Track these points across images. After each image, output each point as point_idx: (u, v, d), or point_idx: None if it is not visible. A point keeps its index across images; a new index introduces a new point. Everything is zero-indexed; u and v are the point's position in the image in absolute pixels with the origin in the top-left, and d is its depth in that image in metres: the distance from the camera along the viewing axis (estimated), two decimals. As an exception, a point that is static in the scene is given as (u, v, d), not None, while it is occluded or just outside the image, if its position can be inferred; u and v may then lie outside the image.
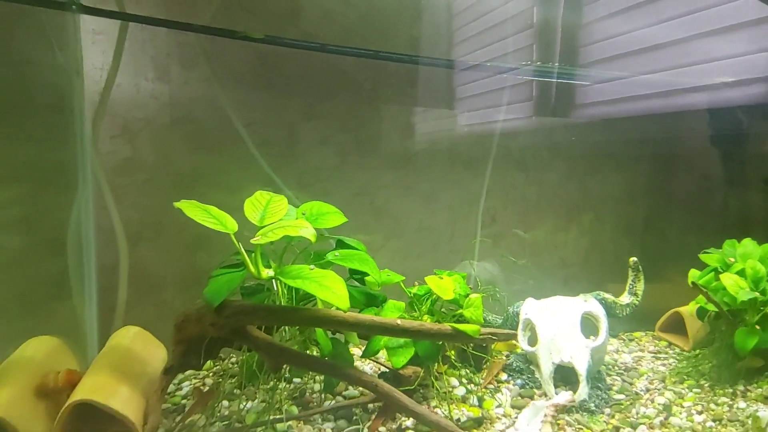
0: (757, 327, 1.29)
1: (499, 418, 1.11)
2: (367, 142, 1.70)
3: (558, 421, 1.09)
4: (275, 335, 1.10)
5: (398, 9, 1.69)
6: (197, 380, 1.24)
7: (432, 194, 1.80)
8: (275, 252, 1.05)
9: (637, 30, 1.85)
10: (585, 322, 1.26)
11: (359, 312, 1.11)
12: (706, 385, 1.31)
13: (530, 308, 1.32)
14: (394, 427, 1.06)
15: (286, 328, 1.11)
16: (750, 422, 1.16)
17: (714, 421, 1.16)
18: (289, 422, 1.05)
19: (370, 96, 1.69)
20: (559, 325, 1.23)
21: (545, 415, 0.94)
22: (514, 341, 1.34)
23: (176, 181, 1.46)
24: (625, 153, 2.07)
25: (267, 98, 1.56)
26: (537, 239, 2.03)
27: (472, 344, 1.25)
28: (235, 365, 1.27)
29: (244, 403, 1.10)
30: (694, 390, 1.29)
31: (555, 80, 1.94)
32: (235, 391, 1.15)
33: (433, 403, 1.15)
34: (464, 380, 1.25)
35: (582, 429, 1.08)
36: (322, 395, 1.17)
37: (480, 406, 1.16)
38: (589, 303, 1.29)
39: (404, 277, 1.20)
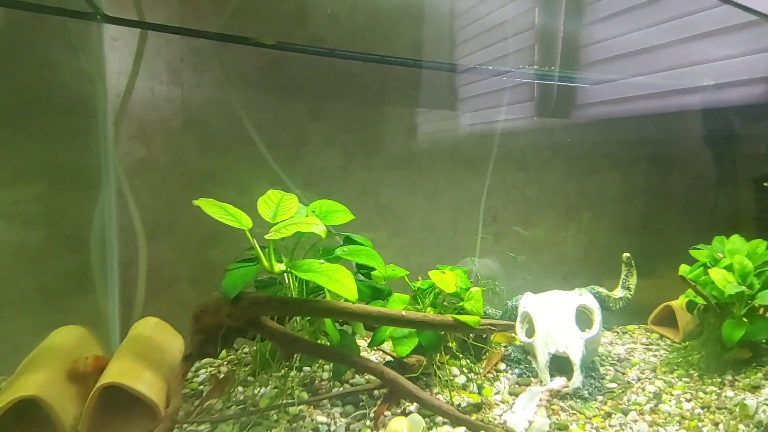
0: (745, 319, 1.35)
1: (497, 404, 1.17)
2: (372, 143, 1.75)
3: (552, 406, 1.15)
4: (287, 326, 1.17)
5: (402, 13, 1.75)
6: (213, 368, 1.31)
7: (435, 193, 1.86)
8: (286, 248, 1.11)
9: (634, 32, 1.90)
10: (580, 315, 1.32)
11: (366, 304, 1.18)
12: (695, 374, 1.37)
13: (528, 302, 1.38)
14: (398, 411, 1.12)
15: (297, 319, 1.18)
16: (738, 410, 1.21)
17: (702, 408, 1.22)
18: (300, 406, 1.11)
19: (375, 98, 1.75)
20: (556, 317, 1.30)
21: (540, 399, 1.01)
22: (512, 334, 1.41)
23: (188, 180, 1.52)
24: (622, 153, 2.13)
25: (275, 100, 1.61)
26: (537, 237, 2.08)
27: (472, 335, 1.32)
28: (248, 355, 1.35)
29: (258, 389, 1.17)
30: (684, 379, 1.35)
31: (556, 83, 1.99)
32: (248, 378, 1.22)
33: (435, 390, 1.21)
34: (465, 369, 1.32)
35: (575, 414, 1.15)
36: (331, 383, 1.24)
37: (479, 393, 1.23)
38: (583, 296, 1.35)
39: (408, 272, 1.26)
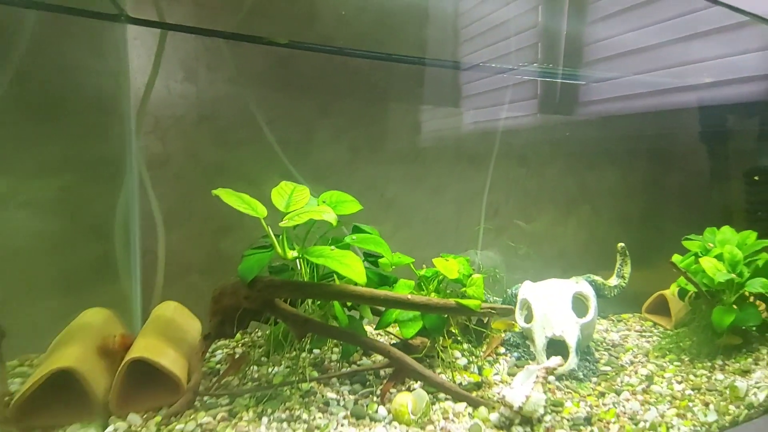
0: (735, 306, 1.42)
1: (496, 384, 1.24)
2: (378, 139, 1.80)
3: (549, 386, 1.22)
4: (298, 310, 1.24)
5: (408, 12, 1.80)
6: (228, 349, 1.38)
7: (439, 188, 1.91)
8: (297, 237, 1.18)
9: (633, 31, 1.95)
10: (576, 302, 1.39)
11: (373, 290, 1.25)
12: (687, 359, 1.44)
13: (527, 289, 1.45)
14: (403, 389, 1.19)
15: (309, 303, 1.25)
16: (728, 392, 1.28)
17: (693, 389, 1.28)
18: (312, 383, 1.19)
19: (381, 95, 1.79)
20: (553, 303, 1.36)
21: (537, 377, 1.08)
22: (512, 321, 1.48)
23: (202, 174, 1.58)
24: (621, 149, 2.18)
25: (285, 97, 1.66)
26: (537, 230, 2.14)
27: (474, 319, 1.39)
28: (261, 338, 1.42)
29: (272, 368, 1.24)
30: (675, 363, 1.42)
31: (558, 80, 2.05)
32: (262, 359, 1.29)
33: (438, 371, 1.28)
34: (466, 353, 1.39)
35: (570, 393, 1.22)
36: (340, 363, 1.31)
37: (480, 374, 1.30)
38: (580, 284, 1.42)
39: (414, 259, 1.33)
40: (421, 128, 1.88)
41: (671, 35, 1.87)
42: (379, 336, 1.49)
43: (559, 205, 2.16)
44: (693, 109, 2.03)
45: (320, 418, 1.05)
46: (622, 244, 1.52)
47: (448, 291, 1.36)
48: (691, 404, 1.21)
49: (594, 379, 1.30)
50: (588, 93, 2.12)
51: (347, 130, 1.75)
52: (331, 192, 1.22)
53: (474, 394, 1.16)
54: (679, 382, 1.32)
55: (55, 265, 1.35)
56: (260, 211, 1.09)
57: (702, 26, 1.81)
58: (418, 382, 1.20)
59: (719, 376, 1.36)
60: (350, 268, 1.05)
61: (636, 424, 1.10)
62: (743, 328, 1.48)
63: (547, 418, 1.09)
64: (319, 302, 1.23)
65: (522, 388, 1.06)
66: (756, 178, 1.88)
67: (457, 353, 1.38)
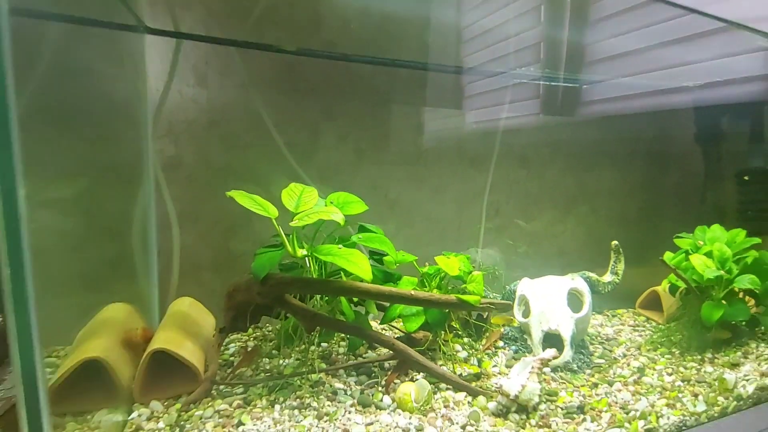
0: (724, 302, 1.48)
1: (495, 375, 1.31)
2: (381, 140, 1.85)
3: (544, 377, 1.29)
4: (307, 305, 1.31)
5: (410, 17, 1.85)
6: (241, 342, 1.46)
7: (441, 188, 1.96)
8: (306, 236, 1.25)
9: (631, 31, 2.00)
10: (572, 298, 1.46)
11: (379, 285, 1.31)
12: (677, 352, 1.50)
13: (525, 286, 1.52)
14: (407, 380, 1.26)
15: (317, 299, 1.32)
16: (717, 384, 1.34)
17: (682, 381, 1.35)
18: (320, 374, 1.26)
19: (384, 98, 1.84)
20: (549, 299, 1.43)
21: (532, 368, 1.15)
22: (510, 316, 1.54)
23: (212, 175, 1.64)
24: (618, 150, 2.24)
25: (292, 101, 1.72)
26: (537, 229, 2.19)
27: (474, 314, 1.45)
28: (271, 332, 1.49)
29: (282, 360, 1.31)
30: (666, 356, 1.48)
31: (561, 84, 2.10)
32: (273, 351, 1.36)
33: (440, 363, 1.35)
34: (466, 346, 1.46)
35: (565, 383, 1.29)
36: (346, 356, 1.38)
37: (479, 365, 1.37)
38: (575, 281, 1.48)
39: (417, 257, 1.40)
40: (423, 130, 1.93)
41: (665, 38, 1.92)
42: (384, 330, 1.56)
43: (559, 204, 2.21)
44: (688, 111, 2.08)
45: (329, 406, 1.12)
46: (616, 243, 1.58)
47: (449, 287, 1.43)
48: (680, 395, 1.27)
49: (588, 371, 1.37)
50: (588, 94, 2.16)
51: (352, 133, 1.80)
52: (338, 193, 1.29)
53: (473, 384, 1.23)
54: (670, 374, 1.38)
55: (78, 264, 1.42)
56: (272, 211, 1.16)
57: (695, 29, 1.86)
58: (421, 373, 1.27)
59: (709, 368, 1.42)
60: (357, 265, 1.12)
61: (627, 413, 1.16)
62: (732, 322, 1.55)
63: (542, 406, 1.16)
64: (327, 298, 1.30)
65: (518, 378, 1.13)
66: (746, 178, 1.94)
67: (458, 346, 1.45)
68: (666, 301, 1.71)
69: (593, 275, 1.55)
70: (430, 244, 1.97)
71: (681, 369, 1.42)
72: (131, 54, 1.45)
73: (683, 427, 1.17)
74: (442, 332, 1.39)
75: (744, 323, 1.57)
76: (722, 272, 1.44)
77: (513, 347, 1.48)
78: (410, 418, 1.09)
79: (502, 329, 1.58)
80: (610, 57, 2.06)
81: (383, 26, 1.81)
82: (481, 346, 1.47)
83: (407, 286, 1.33)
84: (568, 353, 1.34)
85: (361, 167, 1.82)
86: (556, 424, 1.09)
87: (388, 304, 1.35)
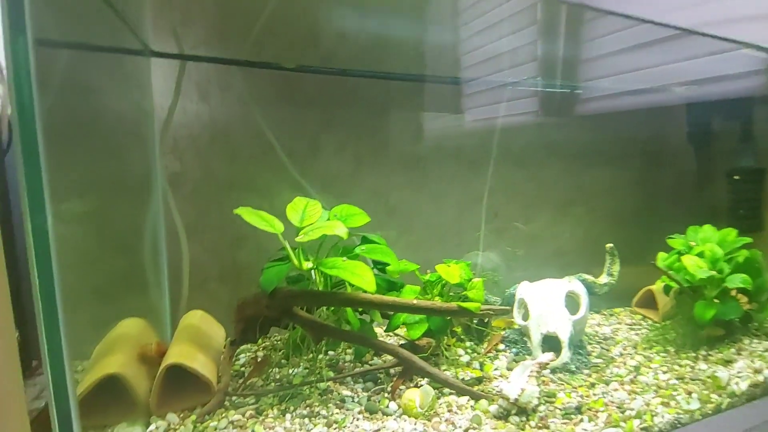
0: (716, 301, 1.53)
1: (496, 378, 1.36)
2: (380, 148, 1.90)
3: (543, 378, 1.34)
4: (314, 316, 1.36)
5: (406, 30, 1.90)
6: (251, 353, 1.51)
7: (440, 193, 2.01)
8: (311, 248, 1.29)
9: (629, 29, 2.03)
10: (569, 300, 1.50)
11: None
12: (672, 350, 1.55)
13: (524, 289, 1.57)
14: (411, 385, 1.31)
15: (323, 310, 1.37)
16: (710, 381, 1.39)
17: (677, 379, 1.39)
18: (328, 383, 1.31)
19: (381, 108, 1.89)
20: (547, 302, 1.48)
21: (531, 371, 1.19)
22: (510, 318, 1.59)
23: (216, 188, 1.69)
24: (614, 151, 2.28)
25: (291, 114, 1.76)
26: (536, 231, 2.24)
27: (475, 320, 1.50)
28: (280, 342, 1.54)
29: (291, 370, 1.36)
30: (661, 354, 1.53)
31: (556, 89, 2.13)
32: (282, 361, 1.41)
33: (443, 368, 1.40)
34: (469, 350, 1.51)
35: (563, 384, 1.33)
36: (353, 363, 1.43)
37: (481, 369, 1.41)
38: (572, 283, 1.53)
39: (419, 266, 1.44)
40: (421, 137, 1.97)
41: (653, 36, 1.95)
42: (388, 338, 1.60)
43: (557, 206, 2.25)
44: (681, 111, 2.13)
45: (338, 413, 1.17)
46: (611, 245, 1.63)
47: (450, 294, 1.47)
48: (675, 393, 1.31)
49: (585, 371, 1.42)
50: (582, 97, 2.20)
51: (351, 142, 1.84)
52: (341, 206, 1.33)
53: (475, 388, 1.28)
54: (665, 372, 1.42)
55: (93, 279, 1.47)
56: (278, 227, 1.20)
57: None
58: (425, 379, 1.31)
59: (702, 366, 1.46)
60: (361, 277, 1.16)
61: (623, 412, 1.21)
62: (726, 320, 1.59)
63: (541, 408, 1.21)
64: (333, 308, 1.35)
65: (518, 382, 1.18)
66: (736, 177, 1.99)
67: (461, 351, 1.50)
68: (661, 300, 1.76)
69: (590, 277, 1.60)
70: (430, 248, 2.01)
71: (675, 367, 1.46)
72: (138, 75, 1.49)
73: (677, 425, 1.22)
74: (445, 338, 1.44)
75: (738, 320, 1.62)
76: (714, 272, 1.48)
77: (514, 350, 1.53)
78: (415, 423, 1.13)
79: (503, 332, 1.63)
80: (606, 54, 2.08)
81: (378, 37, 1.84)
82: (482, 350, 1.52)
83: (410, 294, 1.38)
84: (566, 355, 1.39)
85: (361, 175, 1.87)
86: (555, 425, 1.14)
87: (392, 313, 1.40)
